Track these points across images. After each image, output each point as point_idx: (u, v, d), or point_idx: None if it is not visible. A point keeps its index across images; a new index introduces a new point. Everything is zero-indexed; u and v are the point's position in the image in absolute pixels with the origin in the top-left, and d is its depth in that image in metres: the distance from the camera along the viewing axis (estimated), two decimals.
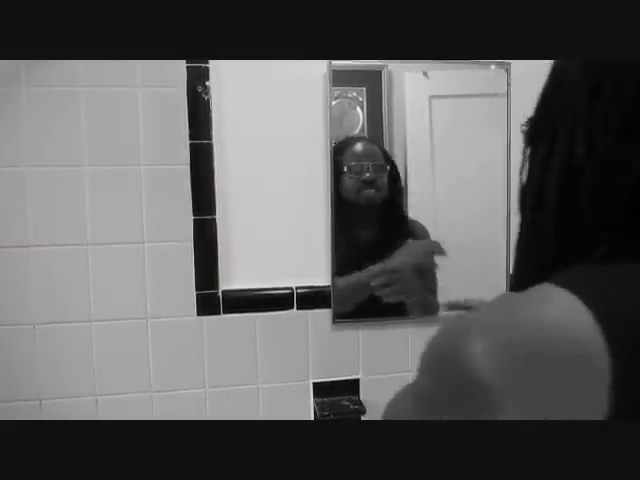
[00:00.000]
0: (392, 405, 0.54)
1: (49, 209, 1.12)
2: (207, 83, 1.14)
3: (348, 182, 1.21)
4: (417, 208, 1.25)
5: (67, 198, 1.12)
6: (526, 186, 0.50)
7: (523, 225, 0.51)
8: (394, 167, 1.24)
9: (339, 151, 1.21)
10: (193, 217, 1.16)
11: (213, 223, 1.17)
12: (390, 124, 1.24)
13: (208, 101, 1.14)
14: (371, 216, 1.25)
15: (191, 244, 1.16)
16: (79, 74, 1.11)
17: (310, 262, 1.22)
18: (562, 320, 0.38)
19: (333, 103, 1.20)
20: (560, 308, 0.38)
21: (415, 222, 1.26)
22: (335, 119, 1.20)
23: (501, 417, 0.38)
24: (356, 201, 1.22)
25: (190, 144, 1.14)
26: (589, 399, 0.37)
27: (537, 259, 0.49)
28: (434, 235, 1.25)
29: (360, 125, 1.24)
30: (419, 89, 1.26)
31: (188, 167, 1.15)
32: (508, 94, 1.24)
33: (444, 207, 1.27)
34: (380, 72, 1.23)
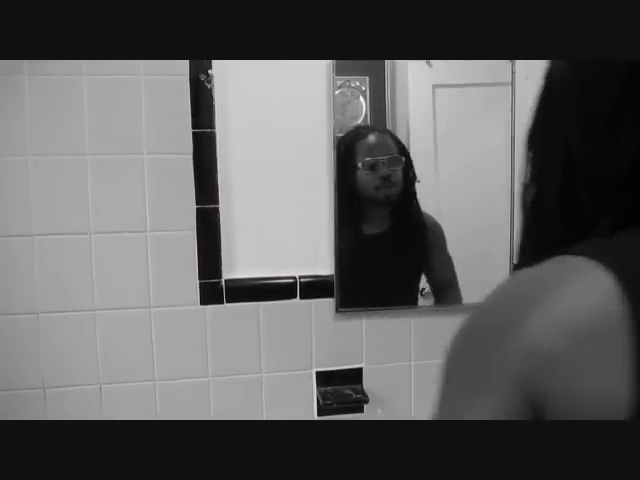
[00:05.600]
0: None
1: (52, 198, 1.12)
2: (210, 71, 1.14)
3: (364, 178, 1.20)
4: (420, 197, 1.25)
5: (70, 187, 1.12)
6: (529, 182, 0.54)
7: (526, 219, 0.54)
8: (407, 156, 1.22)
9: (350, 144, 1.20)
10: (196, 206, 1.16)
11: (216, 212, 1.16)
12: (393, 113, 1.24)
13: (211, 89, 1.14)
14: (387, 210, 1.24)
15: (194, 233, 1.16)
16: (81, 63, 1.10)
17: (313, 251, 1.22)
18: (596, 293, 0.39)
19: (336, 92, 1.20)
20: (592, 280, 0.39)
21: (427, 215, 1.25)
22: (338, 108, 1.20)
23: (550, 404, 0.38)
24: (374, 197, 1.21)
25: (193, 133, 1.14)
26: (611, 375, 0.37)
27: (542, 241, 0.52)
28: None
29: (363, 114, 1.23)
30: (422, 78, 1.25)
31: (191, 156, 1.15)
32: (512, 83, 1.23)
33: (447, 196, 1.27)
34: (383, 61, 1.22)
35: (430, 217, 1.25)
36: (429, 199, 1.25)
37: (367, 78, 1.23)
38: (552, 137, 0.51)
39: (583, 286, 0.39)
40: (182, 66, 1.13)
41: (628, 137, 0.45)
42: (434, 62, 1.24)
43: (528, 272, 0.44)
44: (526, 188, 0.54)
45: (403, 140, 1.23)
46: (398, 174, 1.22)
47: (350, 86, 1.22)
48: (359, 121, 1.23)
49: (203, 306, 1.18)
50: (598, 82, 0.47)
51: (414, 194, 1.24)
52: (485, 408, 0.40)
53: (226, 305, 1.19)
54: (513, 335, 0.40)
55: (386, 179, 1.20)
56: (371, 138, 1.22)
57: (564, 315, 0.39)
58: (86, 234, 1.13)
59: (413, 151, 1.23)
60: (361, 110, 1.23)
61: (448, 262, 1.26)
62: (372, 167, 1.20)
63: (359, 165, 1.20)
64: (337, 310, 1.23)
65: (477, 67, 1.25)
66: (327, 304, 1.22)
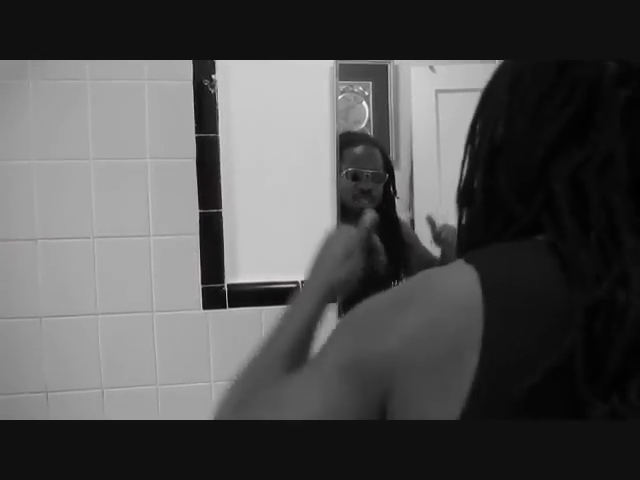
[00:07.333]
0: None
1: (55, 202, 1.12)
2: (213, 76, 1.14)
3: (345, 185, 1.21)
4: (423, 203, 1.25)
5: (73, 191, 1.12)
6: (462, 178, 0.56)
7: (458, 213, 0.57)
8: (392, 174, 1.23)
9: (339, 147, 1.20)
10: (199, 210, 1.16)
11: (219, 216, 1.16)
12: (396, 119, 1.24)
13: (214, 94, 1.14)
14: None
15: (197, 238, 1.16)
16: (85, 67, 1.11)
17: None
18: (456, 288, 0.43)
19: (339, 97, 1.20)
20: (459, 280, 0.43)
21: (405, 224, 1.26)
22: (341, 113, 1.20)
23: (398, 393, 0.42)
24: (349, 205, 1.22)
25: (196, 137, 1.14)
26: (458, 361, 0.40)
27: (470, 236, 0.55)
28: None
29: (366, 119, 1.23)
30: (425, 83, 1.25)
31: (194, 160, 1.15)
32: None
33: (450, 201, 1.26)
34: (386, 66, 1.23)
35: (404, 222, 1.26)
36: (431, 204, 1.25)
37: (370, 83, 1.24)
38: (484, 128, 0.52)
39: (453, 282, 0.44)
40: (186, 71, 1.13)
41: (545, 130, 0.47)
42: (437, 67, 1.24)
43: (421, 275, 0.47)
44: (460, 183, 0.56)
45: (406, 146, 1.23)
46: (379, 189, 1.23)
47: (353, 91, 1.23)
48: (362, 126, 1.23)
49: (205, 311, 1.18)
50: (530, 75, 0.49)
51: (393, 207, 1.25)
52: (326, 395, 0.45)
53: (229, 310, 1.19)
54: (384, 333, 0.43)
55: (366, 193, 1.21)
56: (360, 149, 1.23)
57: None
58: (89, 238, 1.13)
59: (415, 156, 1.23)
60: (364, 115, 1.23)
61: (426, 252, 1.27)
62: (355, 177, 1.21)
63: (342, 173, 1.20)
64: (340, 315, 1.22)
65: (480, 72, 1.23)
66: (330, 309, 1.22)
